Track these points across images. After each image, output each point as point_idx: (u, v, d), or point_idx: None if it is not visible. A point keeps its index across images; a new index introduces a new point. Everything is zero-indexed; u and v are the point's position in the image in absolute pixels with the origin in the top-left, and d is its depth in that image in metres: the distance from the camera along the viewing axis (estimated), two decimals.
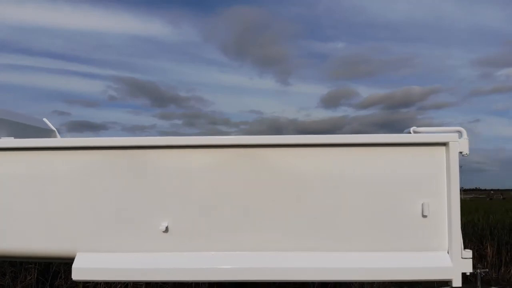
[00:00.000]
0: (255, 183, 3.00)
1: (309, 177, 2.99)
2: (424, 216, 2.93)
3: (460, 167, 3.02)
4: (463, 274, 2.91)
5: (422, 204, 2.93)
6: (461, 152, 2.97)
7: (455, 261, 2.89)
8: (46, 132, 4.63)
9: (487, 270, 7.16)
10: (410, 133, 3.11)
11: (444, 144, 2.95)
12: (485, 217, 10.98)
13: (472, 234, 9.05)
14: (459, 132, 3.02)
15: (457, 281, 2.88)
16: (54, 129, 4.82)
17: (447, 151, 2.94)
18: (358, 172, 2.99)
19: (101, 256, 2.99)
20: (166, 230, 2.97)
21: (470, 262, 2.90)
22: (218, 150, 3.02)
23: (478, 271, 6.71)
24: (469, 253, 2.91)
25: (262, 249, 2.96)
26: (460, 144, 2.97)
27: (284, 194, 2.99)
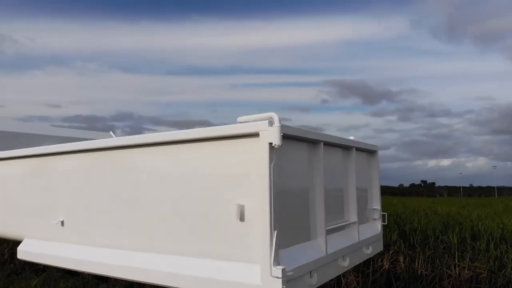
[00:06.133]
0: (111, 184, 3.24)
1: (142, 177, 2.97)
2: (238, 220, 2.43)
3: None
4: None
5: (234, 206, 2.43)
6: (271, 143, 2.31)
7: (264, 279, 2.28)
8: None
9: None
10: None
11: (258, 135, 2.37)
12: None
13: None
14: (270, 119, 2.36)
15: None
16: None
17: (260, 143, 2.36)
18: (173, 171, 2.77)
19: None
20: (62, 224, 3.68)
21: (279, 283, 2.22)
22: (91, 154, 3.44)
23: None
24: (278, 271, 2.23)
25: (116, 247, 3.14)
26: (270, 133, 2.31)
27: (115, 194, 3.18)
